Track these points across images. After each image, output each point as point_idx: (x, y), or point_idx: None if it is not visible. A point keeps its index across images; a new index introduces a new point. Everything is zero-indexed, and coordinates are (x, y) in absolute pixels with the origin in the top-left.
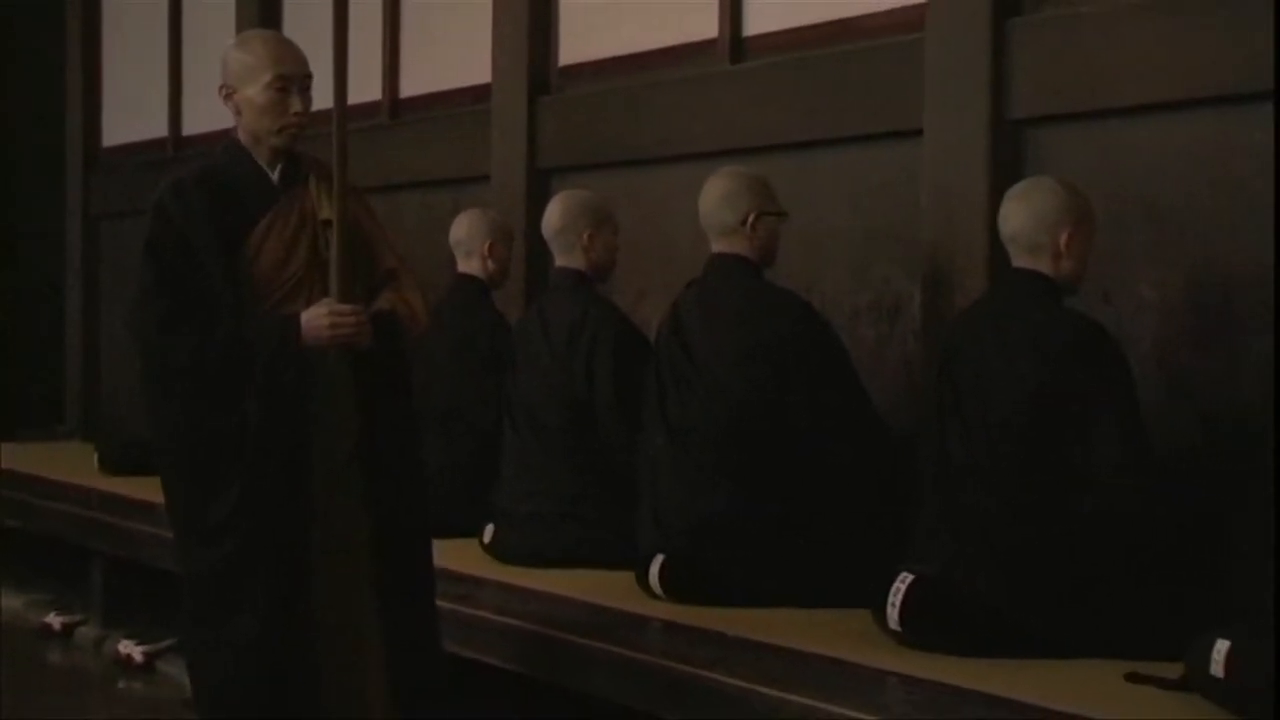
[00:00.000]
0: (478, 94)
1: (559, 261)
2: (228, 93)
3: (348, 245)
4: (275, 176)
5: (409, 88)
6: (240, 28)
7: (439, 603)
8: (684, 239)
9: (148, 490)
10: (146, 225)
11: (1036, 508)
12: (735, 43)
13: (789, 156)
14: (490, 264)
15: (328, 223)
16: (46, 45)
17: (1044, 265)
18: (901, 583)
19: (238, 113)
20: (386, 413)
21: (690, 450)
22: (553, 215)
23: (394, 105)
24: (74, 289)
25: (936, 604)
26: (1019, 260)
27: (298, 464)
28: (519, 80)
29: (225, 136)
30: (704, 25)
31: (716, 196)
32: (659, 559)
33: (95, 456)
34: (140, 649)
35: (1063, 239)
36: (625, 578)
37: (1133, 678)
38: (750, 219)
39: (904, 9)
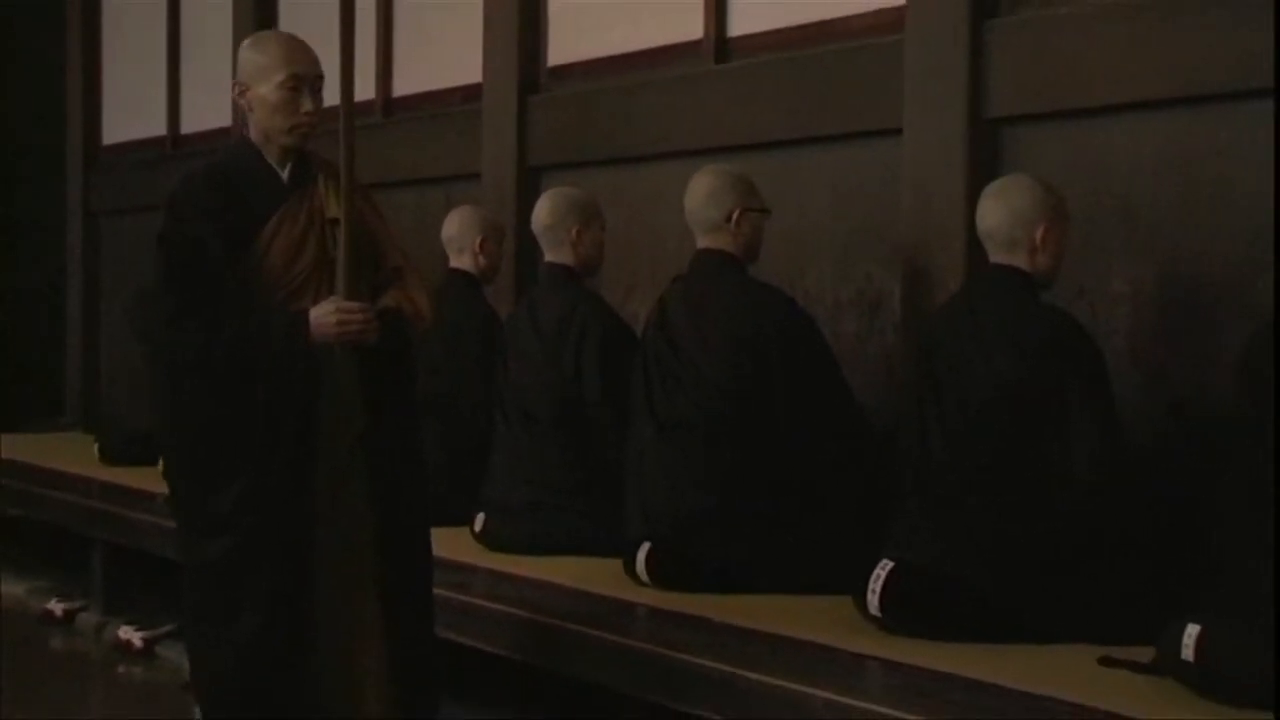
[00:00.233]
0: (469, 93)
1: (548, 257)
2: (240, 90)
3: (355, 243)
4: (285, 175)
5: (402, 87)
6: (237, 28)
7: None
8: (670, 235)
9: (147, 480)
10: (159, 220)
11: (1013, 497)
12: (720, 43)
13: (772, 155)
14: (481, 259)
15: (335, 221)
16: (47, 45)
17: (1020, 261)
18: (882, 570)
19: (250, 110)
20: (391, 409)
21: (676, 442)
22: (542, 212)
23: (387, 104)
24: (74, 284)
25: (916, 591)
26: (996, 256)
27: (302, 459)
28: (509, 80)
29: (223, 135)
30: (690, 26)
31: (702, 194)
32: (646, 547)
33: (95, 447)
34: (140, 635)
35: (1038, 235)
36: (613, 566)
37: (1106, 661)
38: (735, 215)
39: (884, 11)
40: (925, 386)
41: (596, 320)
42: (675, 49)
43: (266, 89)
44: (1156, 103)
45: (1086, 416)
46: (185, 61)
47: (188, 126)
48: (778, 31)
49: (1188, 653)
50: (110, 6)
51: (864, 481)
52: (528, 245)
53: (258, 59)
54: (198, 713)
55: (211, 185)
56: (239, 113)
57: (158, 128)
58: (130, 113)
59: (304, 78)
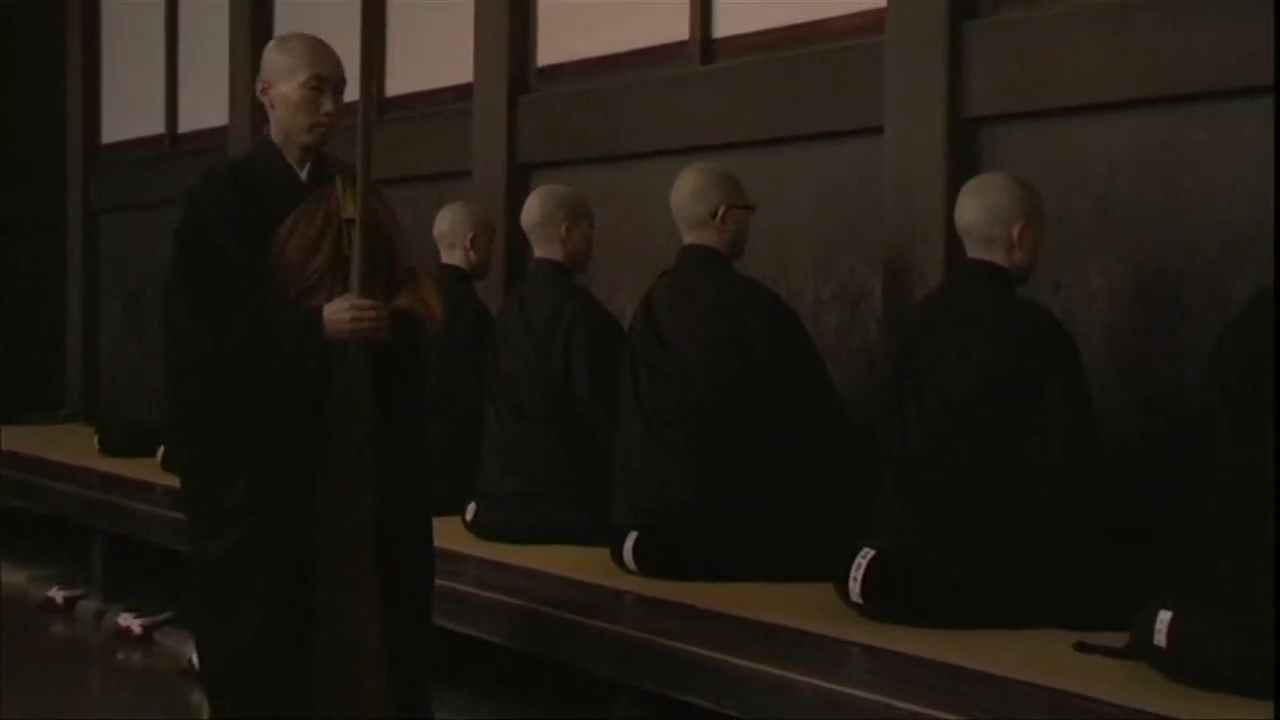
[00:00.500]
0: (460, 93)
1: (538, 253)
2: (264, 87)
3: (370, 242)
4: (304, 175)
5: (394, 87)
6: (234, 29)
7: None
8: (657, 231)
9: (145, 471)
10: (175, 216)
11: (990, 488)
12: (706, 45)
13: (757, 153)
14: (472, 255)
15: (351, 222)
16: (47, 46)
17: (998, 256)
18: (863, 558)
19: (271, 108)
20: (400, 408)
21: (663, 434)
22: (531, 209)
23: (380, 103)
24: (74, 279)
25: (896, 578)
26: (974, 251)
27: (308, 457)
28: (499, 80)
29: (220, 134)
30: (676, 28)
31: (688, 191)
32: (633, 536)
33: (95, 439)
34: (139, 622)
35: (1015, 231)
36: (601, 554)
37: (1081, 647)
38: (720, 212)
39: (866, 12)
40: (905, 380)
41: (585, 315)
42: (662, 50)
43: (289, 88)
44: (1132, 102)
45: (1062, 410)
46: (183, 61)
47: (185, 125)
48: (762, 33)
49: (1160, 638)
50: (109, 7)
51: (846, 473)
52: (518, 241)
53: (282, 58)
54: (205, 707)
55: (230, 182)
56: (236, 110)
57: (156, 126)
58: (129, 112)
59: (326, 79)
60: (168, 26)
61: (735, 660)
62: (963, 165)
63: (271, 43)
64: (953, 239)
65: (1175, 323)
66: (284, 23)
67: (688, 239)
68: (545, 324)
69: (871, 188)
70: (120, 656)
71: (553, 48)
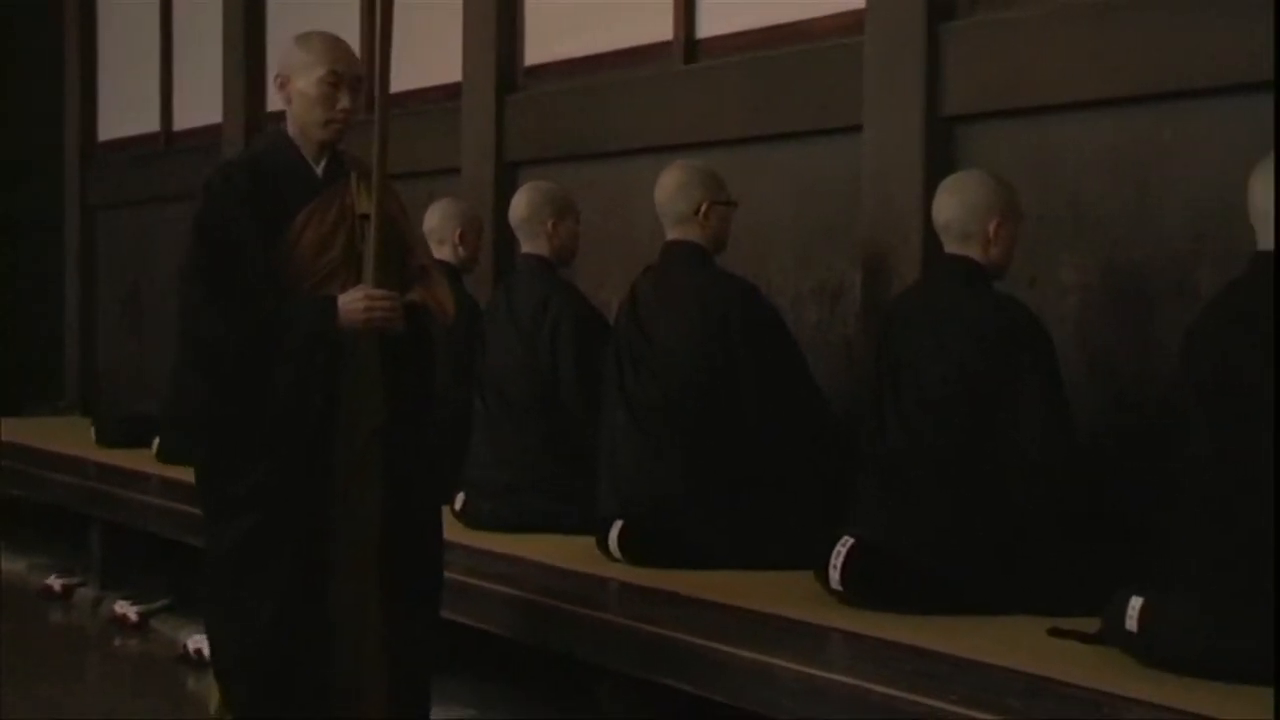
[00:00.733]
0: (449, 92)
1: (525, 248)
2: (282, 82)
3: (384, 236)
4: (319, 170)
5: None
6: (227, 30)
7: None
8: (641, 227)
9: (142, 461)
10: (196, 205)
11: (966, 476)
12: (689, 45)
13: (739, 151)
14: (461, 250)
15: (365, 217)
16: (45, 48)
17: (974, 252)
18: (843, 546)
19: (289, 102)
20: (409, 403)
21: (647, 424)
22: (519, 205)
23: (371, 102)
24: (72, 274)
25: (875, 566)
26: (951, 247)
27: (323, 443)
28: (488, 79)
29: (214, 131)
30: (660, 28)
31: (671, 187)
32: (618, 525)
33: (92, 430)
34: (135, 609)
35: (991, 227)
36: (586, 543)
37: (1055, 632)
38: (703, 208)
39: (845, 14)
40: (883, 372)
41: (570, 308)
42: (646, 50)
43: (306, 83)
44: (1103, 102)
45: (1037, 400)
46: (178, 61)
47: (180, 124)
48: (744, 34)
49: (1131, 624)
50: (105, 9)
51: (826, 463)
52: (505, 237)
53: (301, 54)
54: (213, 696)
55: (247, 174)
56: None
57: (151, 125)
58: (125, 111)
59: (343, 75)
60: (163, 27)
61: (718, 646)
62: (940, 163)
63: (291, 39)
64: (930, 235)
65: (1144, 316)
66: (277, 23)
67: (671, 234)
68: (532, 318)
69: (851, 185)
70: (117, 643)
71: (540, 48)
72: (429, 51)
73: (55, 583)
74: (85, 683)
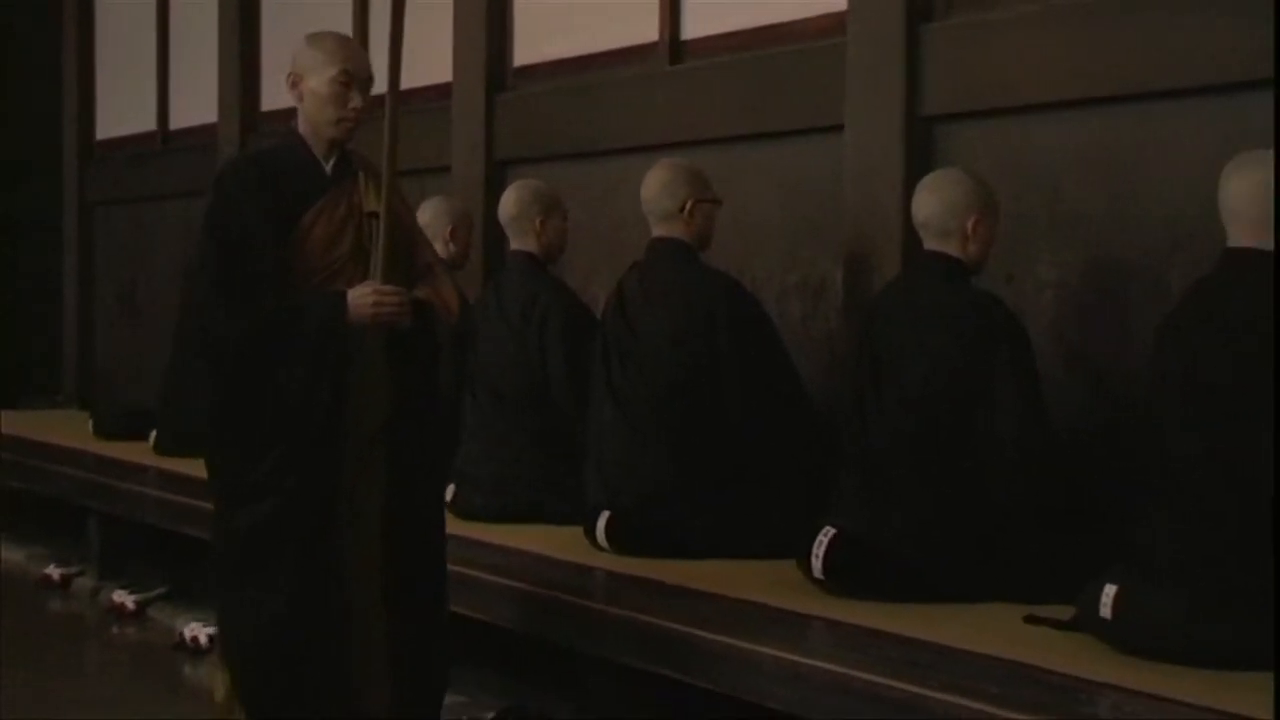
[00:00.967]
0: (440, 92)
1: (514, 245)
2: (294, 81)
3: (393, 232)
4: (328, 168)
5: (378, 86)
6: (222, 33)
7: None
8: (628, 224)
9: (139, 454)
10: (207, 200)
11: (945, 467)
12: (674, 46)
13: (723, 150)
14: (451, 247)
15: (372, 215)
16: (45, 50)
17: (953, 248)
18: (824, 536)
19: (300, 101)
20: (415, 394)
21: (633, 417)
22: (508, 202)
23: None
24: (70, 270)
25: (856, 555)
26: (930, 244)
27: (331, 435)
28: (477, 79)
29: (209, 131)
30: (646, 29)
31: (657, 185)
32: (605, 515)
33: (90, 423)
34: (132, 598)
35: (970, 225)
36: (574, 533)
37: (1031, 619)
38: (688, 206)
39: (827, 16)
40: (864, 365)
41: (559, 304)
42: (633, 51)
43: (318, 82)
44: (1080, 102)
45: (1013, 393)
46: (174, 63)
47: (176, 123)
48: (728, 35)
49: (1105, 611)
50: (103, 12)
51: (808, 454)
52: (495, 234)
53: (314, 54)
54: (219, 684)
55: (257, 169)
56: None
57: (148, 125)
58: (122, 111)
59: (355, 75)
60: (159, 29)
61: (703, 634)
62: (920, 162)
63: (303, 39)
64: (910, 232)
65: (1120, 312)
66: (271, 25)
67: (657, 231)
68: (521, 313)
69: (833, 183)
70: (115, 631)
71: (529, 48)
72: (420, 52)
73: (54, 572)
74: (84, 670)
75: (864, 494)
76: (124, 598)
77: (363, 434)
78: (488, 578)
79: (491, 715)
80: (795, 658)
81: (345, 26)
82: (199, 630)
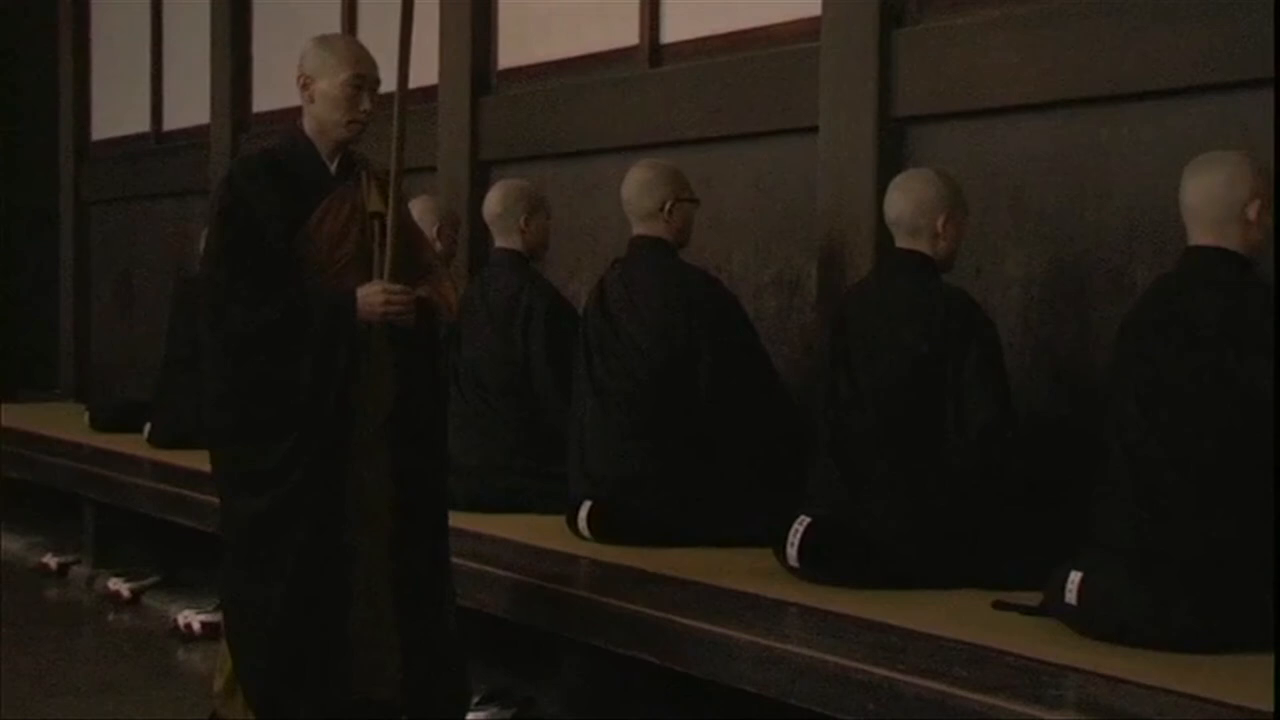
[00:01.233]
0: (426, 94)
1: (499, 243)
2: (305, 82)
3: (392, 232)
4: (333, 168)
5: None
6: (215, 36)
7: None
8: (610, 223)
9: (133, 445)
10: (218, 196)
11: (916, 460)
12: (654, 49)
13: (701, 150)
14: (438, 245)
15: (375, 215)
16: (41, 50)
17: (923, 245)
18: (799, 525)
19: (310, 101)
20: (419, 387)
21: (614, 410)
22: (493, 201)
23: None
24: (66, 266)
25: (830, 544)
26: (901, 241)
27: (339, 426)
28: (463, 81)
29: (202, 131)
30: (626, 34)
31: (637, 185)
32: (587, 505)
33: (86, 416)
34: (127, 585)
35: (939, 222)
36: (557, 522)
37: (999, 605)
38: (667, 205)
39: (802, 21)
40: (838, 359)
41: (542, 300)
42: (614, 54)
43: (330, 85)
44: (1046, 105)
45: (982, 385)
46: (167, 65)
47: (170, 124)
48: (706, 39)
49: (1070, 596)
50: (98, 16)
51: (783, 445)
52: (480, 232)
53: (326, 56)
54: (220, 674)
55: (267, 166)
56: (216, 110)
57: (142, 125)
58: (117, 112)
59: (366, 78)
60: (153, 33)
61: (681, 619)
62: (891, 162)
63: (312, 40)
64: (882, 229)
65: (1083, 306)
66: (262, 29)
67: (637, 230)
68: (506, 308)
69: (807, 182)
70: (110, 618)
71: (513, 52)
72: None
73: (51, 560)
74: (80, 655)
75: (838, 484)
76: (119, 585)
77: (368, 427)
78: (472, 565)
79: (476, 699)
80: (770, 643)
81: (334, 30)
82: (192, 617)
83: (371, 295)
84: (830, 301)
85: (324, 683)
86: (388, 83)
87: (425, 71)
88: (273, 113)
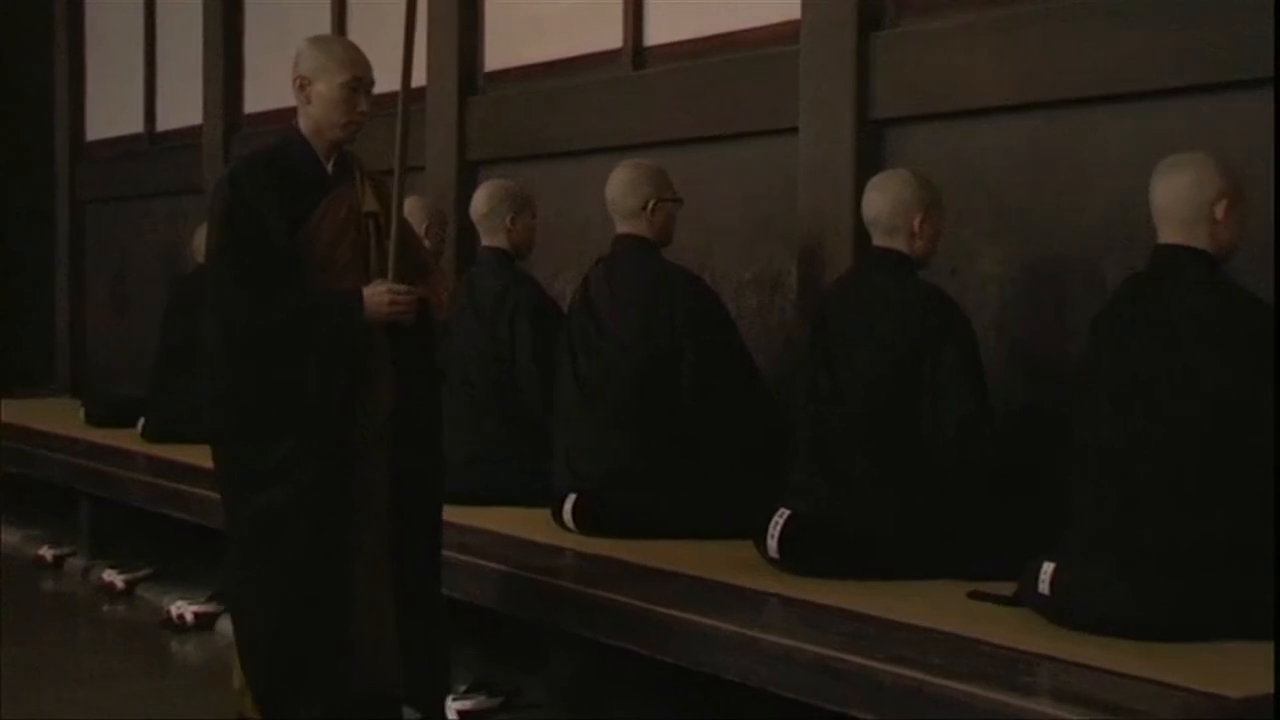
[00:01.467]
0: (414, 95)
1: (485, 241)
2: (302, 84)
3: (395, 231)
4: (329, 168)
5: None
6: (207, 39)
7: None
8: (594, 222)
9: (127, 440)
10: (221, 197)
11: (893, 452)
12: (637, 52)
13: (684, 151)
14: (427, 244)
15: (370, 215)
16: (38, 53)
17: (900, 244)
18: (779, 518)
19: (308, 102)
20: (417, 388)
21: (598, 405)
22: (479, 201)
23: None
24: (62, 265)
25: (809, 536)
26: (879, 240)
27: (344, 426)
28: (450, 83)
29: (194, 132)
30: (610, 37)
31: (621, 185)
32: (571, 498)
33: (81, 411)
34: (121, 577)
35: (916, 222)
36: (542, 514)
37: (974, 595)
38: (650, 204)
39: (782, 24)
40: (818, 355)
41: (528, 297)
42: (598, 56)
43: (328, 86)
44: (1021, 107)
45: (958, 381)
46: (161, 67)
47: (163, 125)
48: (688, 42)
49: (1044, 587)
50: (93, 18)
51: (763, 439)
52: (467, 231)
53: (323, 58)
54: (237, 672)
55: (270, 168)
56: (209, 111)
57: (136, 126)
58: (112, 113)
59: (363, 80)
60: (146, 36)
61: (664, 610)
62: (869, 162)
63: (308, 41)
64: (860, 229)
65: (1056, 304)
66: (253, 32)
67: (621, 229)
68: (492, 305)
69: (787, 182)
70: (105, 609)
71: (499, 53)
72: (394, 57)
73: (47, 553)
74: (76, 644)
75: (817, 477)
76: (113, 577)
77: (370, 426)
78: (458, 557)
79: (463, 688)
80: (751, 632)
81: (324, 32)
82: (184, 608)
83: (378, 295)
84: (810, 299)
85: (328, 679)
86: (380, 83)
87: (414, 73)
88: (264, 114)
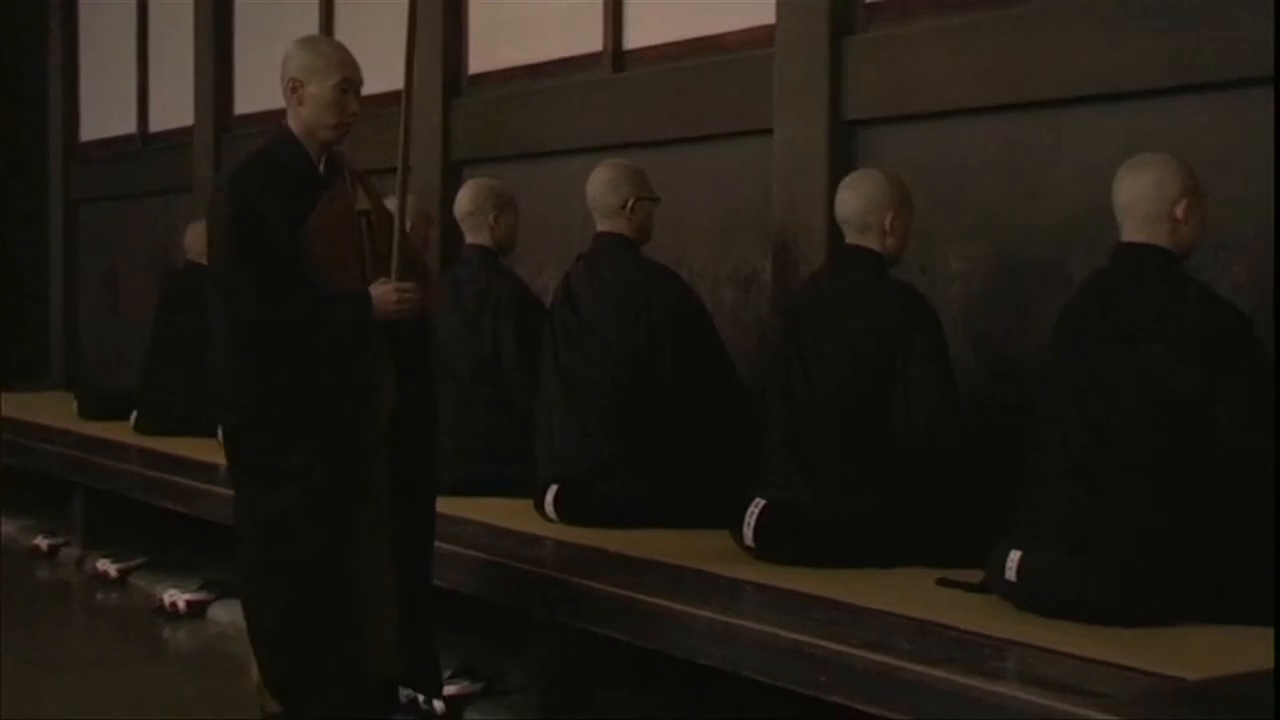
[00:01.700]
0: (399, 97)
1: (469, 239)
2: (294, 86)
3: (398, 230)
4: (321, 168)
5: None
6: (198, 42)
7: None
8: (575, 220)
9: (120, 433)
10: (223, 199)
11: (864, 445)
12: (617, 55)
13: (662, 151)
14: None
15: (363, 214)
16: (32, 55)
17: (872, 242)
18: (755, 507)
19: (299, 104)
20: (416, 381)
21: (580, 398)
22: (463, 200)
23: None
24: (56, 262)
25: (784, 525)
26: (851, 238)
27: (357, 425)
28: (434, 85)
29: (186, 132)
30: (591, 40)
31: (602, 184)
32: (553, 488)
33: (75, 404)
34: (114, 566)
35: (887, 220)
36: (525, 505)
37: (943, 582)
38: (630, 203)
39: (757, 28)
40: (791, 349)
41: (511, 293)
42: (579, 59)
43: (320, 88)
44: (988, 109)
45: (927, 374)
46: (153, 69)
47: (155, 125)
48: (667, 45)
49: (1010, 574)
50: (86, 20)
51: (739, 431)
52: (451, 229)
53: (314, 60)
54: (253, 667)
55: (268, 169)
56: (200, 113)
57: (129, 126)
58: (105, 114)
59: (354, 82)
60: (139, 38)
61: (643, 598)
62: (842, 162)
63: (297, 43)
64: (833, 227)
65: (1021, 300)
66: (243, 35)
67: (601, 227)
68: (476, 301)
69: (762, 182)
70: (99, 597)
71: (482, 56)
72: (380, 60)
73: (42, 543)
74: (70, 632)
75: (791, 468)
76: (107, 566)
77: (378, 425)
78: (444, 546)
79: (447, 673)
80: (727, 619)
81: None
82: (177, 596)
83: (386, 293)
84: (784, 295)
85: (342, 670)
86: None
87: (399, 75)
88: (254, 115)
